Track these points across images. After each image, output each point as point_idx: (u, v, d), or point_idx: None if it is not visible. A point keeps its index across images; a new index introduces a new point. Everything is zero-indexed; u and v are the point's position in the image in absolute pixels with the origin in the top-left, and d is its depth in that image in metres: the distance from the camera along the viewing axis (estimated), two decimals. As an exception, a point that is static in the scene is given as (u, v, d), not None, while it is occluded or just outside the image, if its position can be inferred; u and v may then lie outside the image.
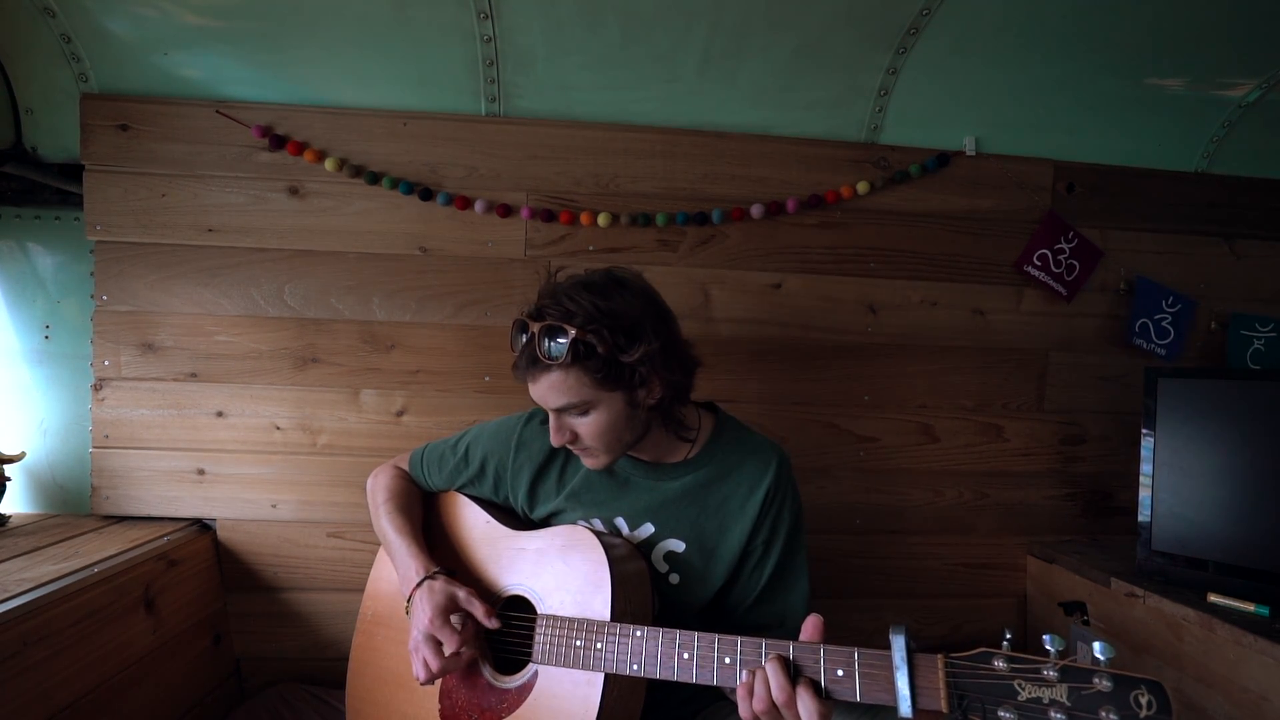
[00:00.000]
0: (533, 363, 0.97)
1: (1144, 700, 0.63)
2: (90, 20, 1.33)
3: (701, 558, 1.06)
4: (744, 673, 0.82)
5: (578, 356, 0.94)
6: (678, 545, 1.07)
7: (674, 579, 1.07)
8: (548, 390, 0.97)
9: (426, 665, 0.97)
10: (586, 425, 1.00)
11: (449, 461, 1.18)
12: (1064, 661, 0.67)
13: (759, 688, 0.78)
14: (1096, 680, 0.65)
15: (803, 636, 0.81)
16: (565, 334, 0.93)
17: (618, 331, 0.95)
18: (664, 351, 0.99)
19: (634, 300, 0.99)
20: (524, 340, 0.97)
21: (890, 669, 0.73)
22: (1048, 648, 0.68)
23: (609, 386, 0.97)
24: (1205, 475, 1.28)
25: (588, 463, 1.07)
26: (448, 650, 0.97)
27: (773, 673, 0.78)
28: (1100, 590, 1.40)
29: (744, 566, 1.07)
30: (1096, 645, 0.66)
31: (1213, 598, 1.22)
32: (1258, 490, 1.22)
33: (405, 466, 1.24)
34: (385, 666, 1.11)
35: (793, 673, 0.78)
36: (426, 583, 1.01)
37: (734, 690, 0.83)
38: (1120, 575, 1.37)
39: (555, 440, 1.02)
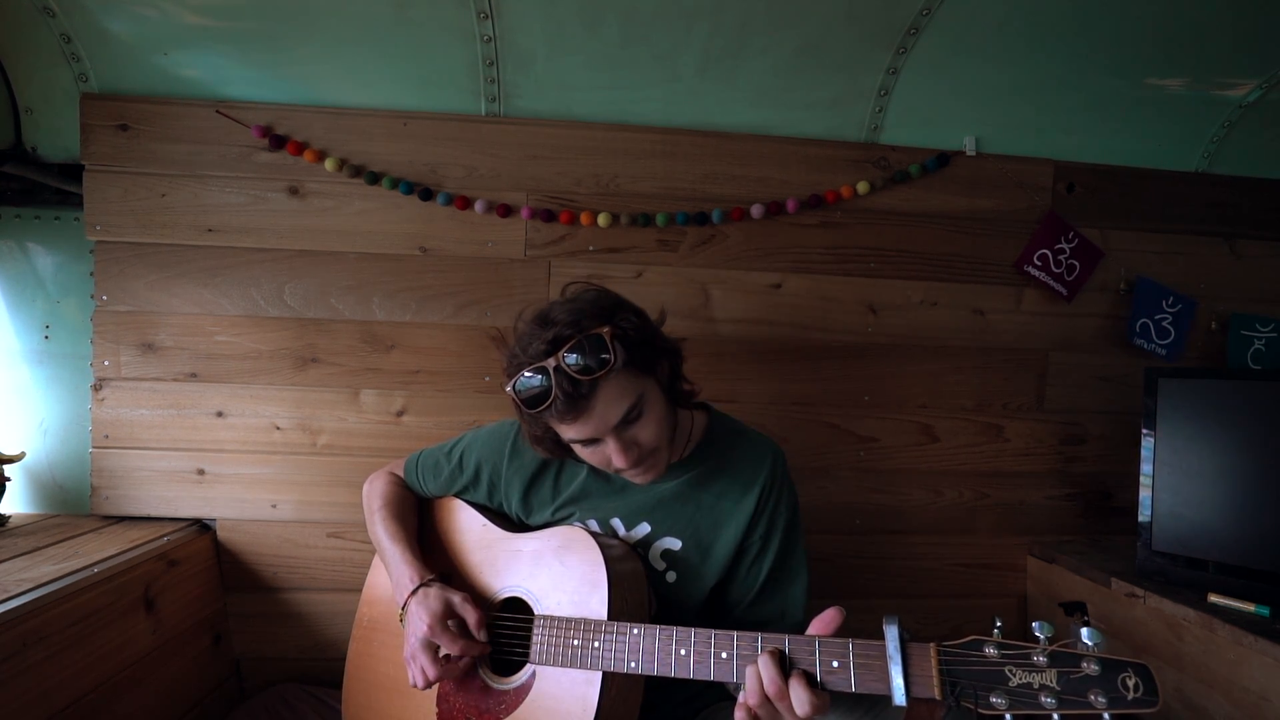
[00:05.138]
0: (576, 395, 0.87)
1: (1131, 683, 0.65)
2: (90, 20, 1.33)
3: (698, 555, 1.06)
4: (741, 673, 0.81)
5: (625, 346, 0.89)
6: (674, 544, 1.07)
7: (671, 577, 1.06)
8: (609, 405, 0.89)
9: (424, 672, 0.96)
10: (647, 428, 0.94)
11: (444, 469, 1.18)
12: (1053, 647, 0.68)
13: (750, 681, 0.78)
14: (1085, 664, 0.66)
15: (818, 627, 0.80)
16: (600, 336, 0.88)
17: (626, 312, 0.94)
18: (647, 323, 0.98)
19: (593, 291, 0.98)
20: (549, 379, 0.87)
21: (884, 659, 0.73)
22: (1037, 634, 0.70)
23: (648, 370, 0.94)
24: (1205, 475, 1.28)
25: (646, 477, 0.99)
26: (452, 653, 0.96)
27: (764, 665, 0.77)
28: (1100, 590, 1.40)
29: (741, 563, 1.07)
30: (1084, 631, 0.67)
31: (1213, 598, 1.22)
32: (1258, 490, 1.22)
33: (400, 473, 1.24)
34: (382, 672, 1.11)
35: (787, 666, 0.78)
36: (421, 590, 1.01)
37: (737, 687, 0.82)
38: (1120, 575, 1.37)
39: (625, 461, 0.93)
